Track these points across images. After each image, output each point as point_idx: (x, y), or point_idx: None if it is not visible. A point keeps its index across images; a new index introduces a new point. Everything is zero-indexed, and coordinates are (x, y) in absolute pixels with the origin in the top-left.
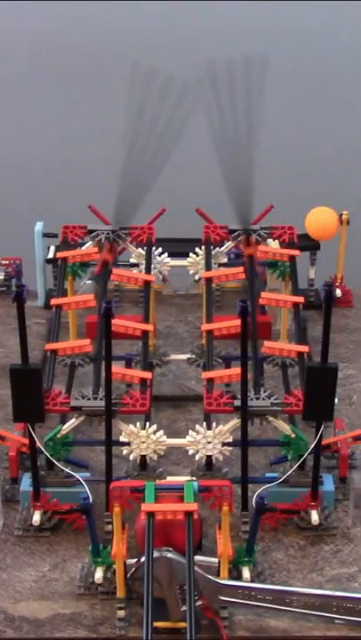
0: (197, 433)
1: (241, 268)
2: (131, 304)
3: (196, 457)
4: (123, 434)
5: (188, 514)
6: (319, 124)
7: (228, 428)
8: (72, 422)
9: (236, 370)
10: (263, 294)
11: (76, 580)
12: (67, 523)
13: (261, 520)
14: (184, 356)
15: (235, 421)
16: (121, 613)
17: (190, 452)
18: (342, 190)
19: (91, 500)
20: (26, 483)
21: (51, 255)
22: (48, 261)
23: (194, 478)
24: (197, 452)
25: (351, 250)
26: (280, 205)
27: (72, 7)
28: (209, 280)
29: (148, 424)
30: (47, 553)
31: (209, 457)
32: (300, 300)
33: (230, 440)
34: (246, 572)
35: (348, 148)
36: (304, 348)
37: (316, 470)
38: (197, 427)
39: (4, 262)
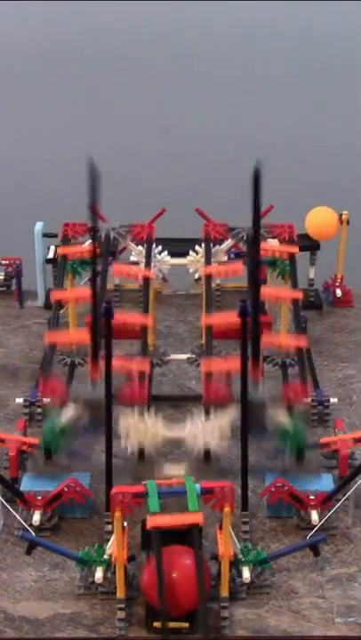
0: (195, 425)
1: (240, 265)
2: (131, 304)
3: (195, 451)
4: (121, 425)
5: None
6: (319, 123)
7: (226, 419)
8: (70, 412)
9: (235, 360)
10: (262, 288)
11: (76, 579)
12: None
13: (271, 492)
14: (184, 356)
15: (231, 411)
16: (121, 613)
17: (188, 442)
18: (342, 190)
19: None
20: (26, 483)
21: (51, 255)
22: (48, 261)
23: (190, 477)
24: (195, 444)
25: (351, 250)
26: (280, 205)
27: (72, 7)
28: (209, 277)
29: (147, 413)
30: (47, 553)
31: (207, 452)
32: (299, 295)
33: (228, 430)
34: (246, 572)
35: (348, 148)
36: (302, 341)
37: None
38: (195, 418)
39: (4, 262)
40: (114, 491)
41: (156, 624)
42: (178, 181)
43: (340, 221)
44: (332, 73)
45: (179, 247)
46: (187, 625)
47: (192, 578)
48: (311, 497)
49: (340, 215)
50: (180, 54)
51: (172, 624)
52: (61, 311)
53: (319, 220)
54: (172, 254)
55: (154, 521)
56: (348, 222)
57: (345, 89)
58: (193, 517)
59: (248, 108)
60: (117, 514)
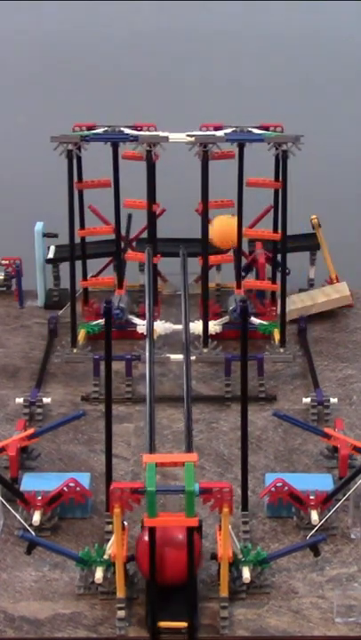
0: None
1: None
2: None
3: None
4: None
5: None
6: (319, 124)
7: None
8: None
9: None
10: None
11: (76, 579)
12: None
13: (271, 492)
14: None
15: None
16: (121, 613)
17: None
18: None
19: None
20: (26, 482)
21: (51, 255)
22: (48, 261)
23: (191, 465)
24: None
25: (351, 250)
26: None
27: (72, 7)
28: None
29: None
30: (47, 553)
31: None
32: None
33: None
34: (246, 572)
35: (343, 148)
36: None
37: None
38: None
39: (4, 262)
40: (113, 486)
41: (161, 624)
42: (178, 181)
43: (313, 225)
44: (325, 72)
45: (174, 247)
46: (185, 624)
47: (184, 547)
48: (311, 497)
49: (311, 220)
50: (180, 56)
51: (170, 624)
52: (61, 311)
53: (221, 227)
54: (172, 254)
55: (150, 520)
56: (319, 225)
57: (338, 89)
58: (189, 520)
59: (246, 108)
60: (117, 510)
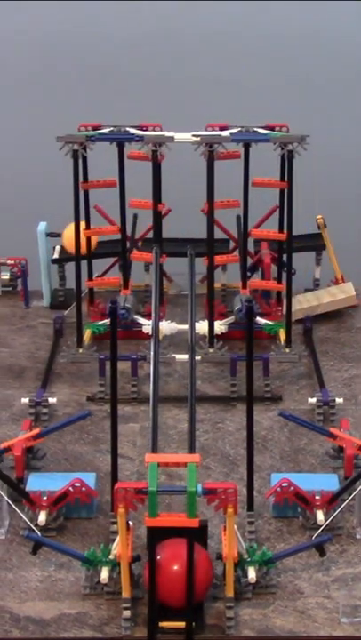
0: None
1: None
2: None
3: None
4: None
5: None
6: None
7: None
8: None
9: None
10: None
11: (82, 579)
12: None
13: (277, 493)
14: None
15: None
16: (127, 613)
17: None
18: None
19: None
20: (32, 483)
21: (56, 255)
22: (53, 261)
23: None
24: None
25: (357, 250)
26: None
27: (72, 7)
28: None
29: None
30: (53, 553)
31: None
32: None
33: None
34: (252, 572)
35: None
36: None
37: None
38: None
39: (9, 262)
40: (117, 486)
41: (163, 624)
42: (178, 181)
43: (318, 225)
44: (320, 72)
45: (180, 247)
46: (183, 624)
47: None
48: (317, 497)
49: (316, 220)
50: (186, 56)
51: (168, 624)
52: (66, 312)
53: (71, 234)
54: (173, 254)
55: (151, 520)
56: (325, 225)
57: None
58: (189, 521)
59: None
60: (121, 510)
